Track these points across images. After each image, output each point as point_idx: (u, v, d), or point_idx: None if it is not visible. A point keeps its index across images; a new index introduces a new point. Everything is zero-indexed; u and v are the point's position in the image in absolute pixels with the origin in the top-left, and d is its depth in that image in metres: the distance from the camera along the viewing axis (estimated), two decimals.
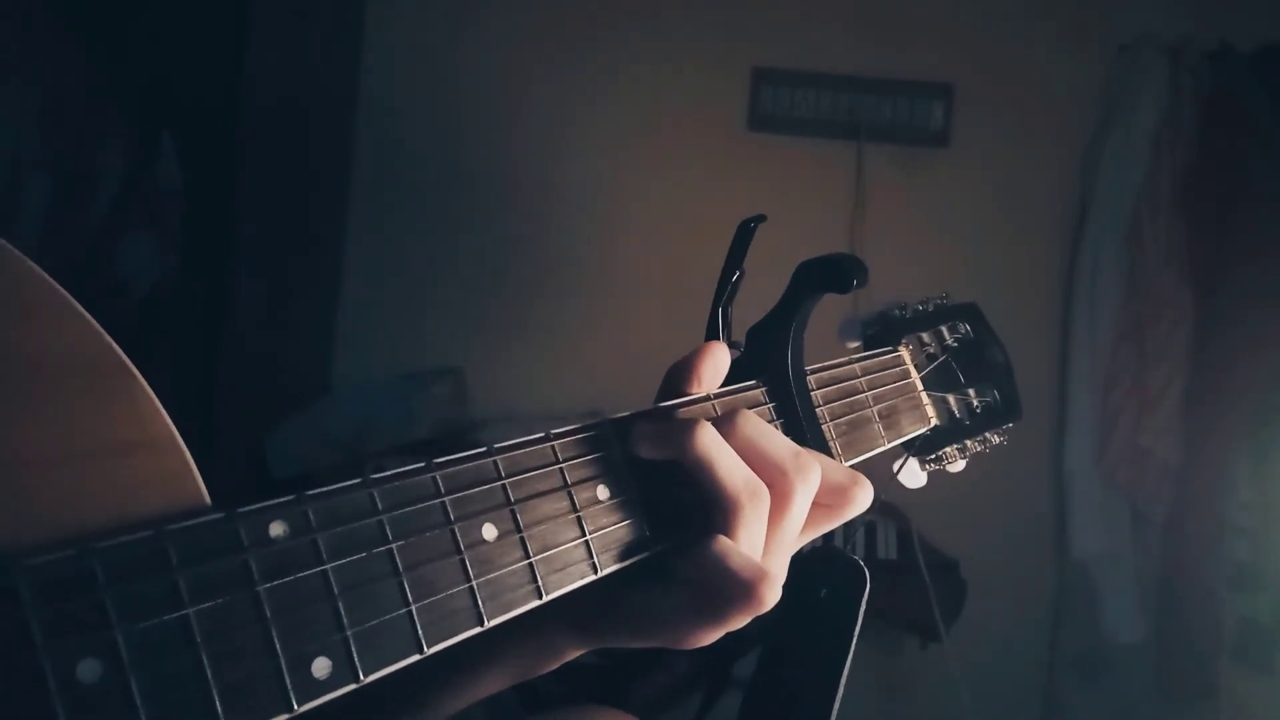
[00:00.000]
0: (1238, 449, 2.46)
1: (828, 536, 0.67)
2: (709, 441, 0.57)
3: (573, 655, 0.66)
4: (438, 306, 2.73)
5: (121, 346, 0.43)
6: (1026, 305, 2.70)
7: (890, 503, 2.43)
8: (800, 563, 0.67)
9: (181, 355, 2.16)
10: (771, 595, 0.56)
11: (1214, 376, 2.49)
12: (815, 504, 0.62)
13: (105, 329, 0.42)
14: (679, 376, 0.65)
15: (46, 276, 0.41)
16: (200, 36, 2.01)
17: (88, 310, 0.42)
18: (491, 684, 0.69)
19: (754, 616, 0.58)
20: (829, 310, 0.90)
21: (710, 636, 0.59)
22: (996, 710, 2.66)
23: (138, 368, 0.43)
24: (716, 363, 0.65)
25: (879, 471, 0.86)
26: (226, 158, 2.11)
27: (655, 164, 2.69)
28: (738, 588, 0.56)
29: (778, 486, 0.59)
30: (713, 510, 0.58)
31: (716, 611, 0.58)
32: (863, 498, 0.64)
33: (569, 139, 2.70)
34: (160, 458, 0.42)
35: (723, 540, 0.56)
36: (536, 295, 2.73)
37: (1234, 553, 2.48)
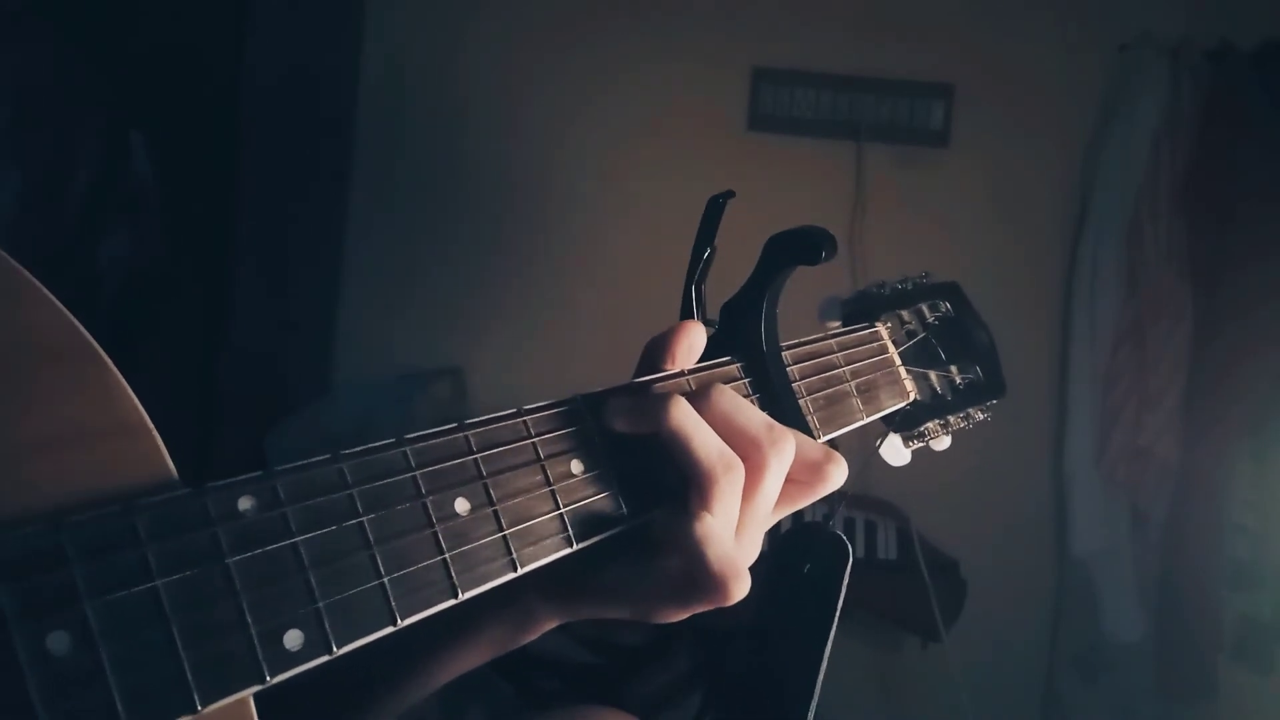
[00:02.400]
0: (1238, 448, 2.45)
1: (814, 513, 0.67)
2: (683, 415, 0.57)
3: (550, 625, 0.67)
4: (438, 306, 2.74)
5: (101, 340, 0.43)
6: (1026, 305, 2.69)
7: (890, 502, 2.43)
8: (783, 538, 0.68)
9: (181, 355, 2.16)
10: (739, 591, 0.56)
11: (1214, 376, 2.48)
12: (790, 480, 0.62)
13: (81, 322, 0.43)
14: (654, 354, 0.65)
15: (12, 261, 0.42)
16: (199, 30, 2.01)
17: (61, 303, 0.42)
18: (472, 656, 0.70)
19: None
20: (821, 295, 0.91)
21: (676, 616, 0.60)
22: (996, 710, 2.66)
23: (124, 361, 0.43)
24: (691, 341, 0.65)
25: (871, 460, 0.86)
26: (225, 155, 2.11)
27: (655, 164, 2.69)
28: (709, 579, 0.56)
29: (751, 459, 0.59)
30: (688, 484, 0.58)
31: (684, 596, 0.58)
32: (837, 474, 0.64)
33: (569, 139, 2.71)
34: (130, 440, 0.43)
35: (705, 523, 0.56)
36: (537, 295, 2.73)
37: (1234, 551, 2.47)
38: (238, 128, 2.14)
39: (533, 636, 0.68)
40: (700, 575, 0.56)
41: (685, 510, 0.57)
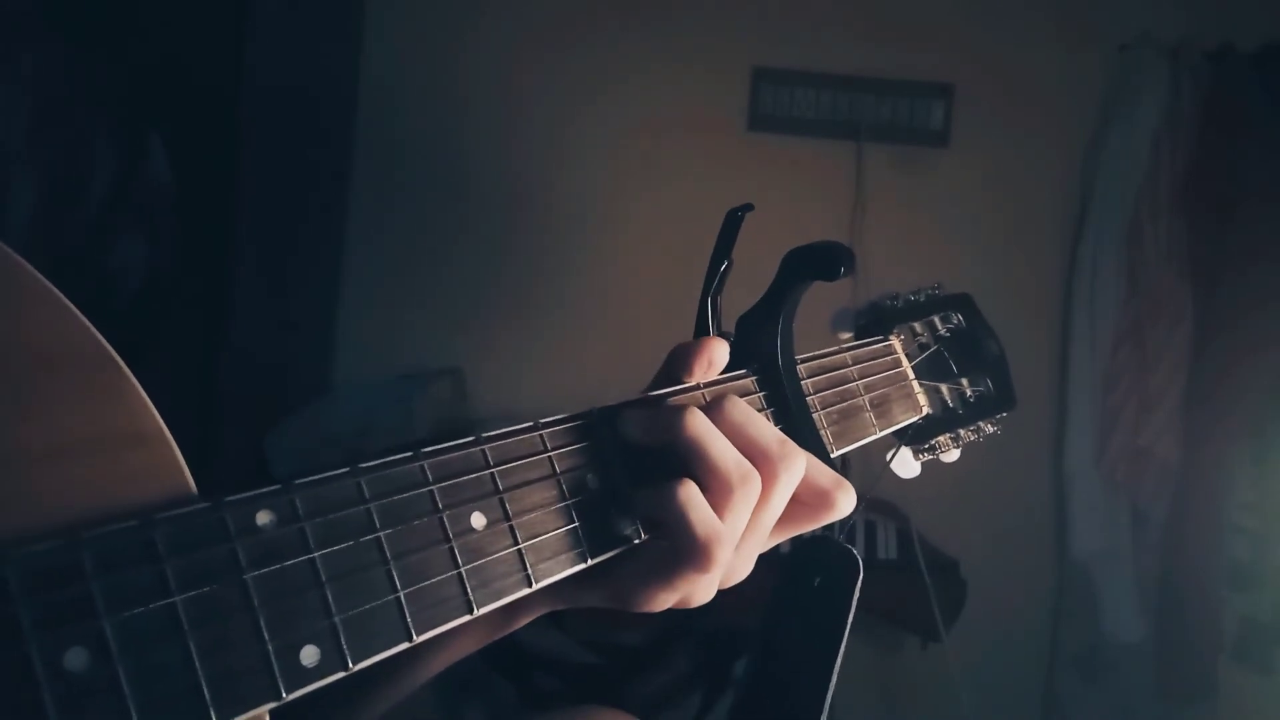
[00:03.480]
0: (1238, 449, 2.46)
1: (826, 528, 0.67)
2: (700, 425, 0.58)
3: (539, 612, 0.67)
4: (438, 306, 2.73)
5: (115, 345, 0.43)
6: (1026, 305, 2.69)
7: (890, 502, 2.43)
8: (792, 550, 0.68)
9: (181, 355, 2.16)
10: (723, 557, 0.56)
11: (1214, 376, 2.49)
12: (796, 501, 0.63)
13: (97, 328, 0.42)
14: (674, 366, 0.66)
15: (33, 270, 0.42)
16: (199, 32, 2.01)
17: (78, 309, 0.42)
18: (464, 644, 0.70)
19: (706, 583, 0.58)
20: (824, 302, 0.90)
21: (662, 598, 0.59)
22: (996, 710, 2.66)
23: (135, 366, 0.43)
24: (712, 358, 0.65)
25: (882, 475, 0.86)
26: (225, 156, 2.11)
27: (655, 164, 2.69)
28: (692, 542, 0.56)
29: (761, 472, 0.59)
30: (704, 495, 0.58)
31: (667, 568, 0.58)
32: (844, 503, 0.64)
33: (569, 139, 2.70)
34: (148, 450, 0.42)
35: (689, 487, 0.56)
36: (536, 295, 2.73)
37: (1234, 552, 2.47)
38: (238, 128, 2.13)
39: (523, 623, 0.68)
40: (683, 540, 0.56)
41: (675, 478, 0.57)
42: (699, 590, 0.59)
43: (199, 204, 2.06)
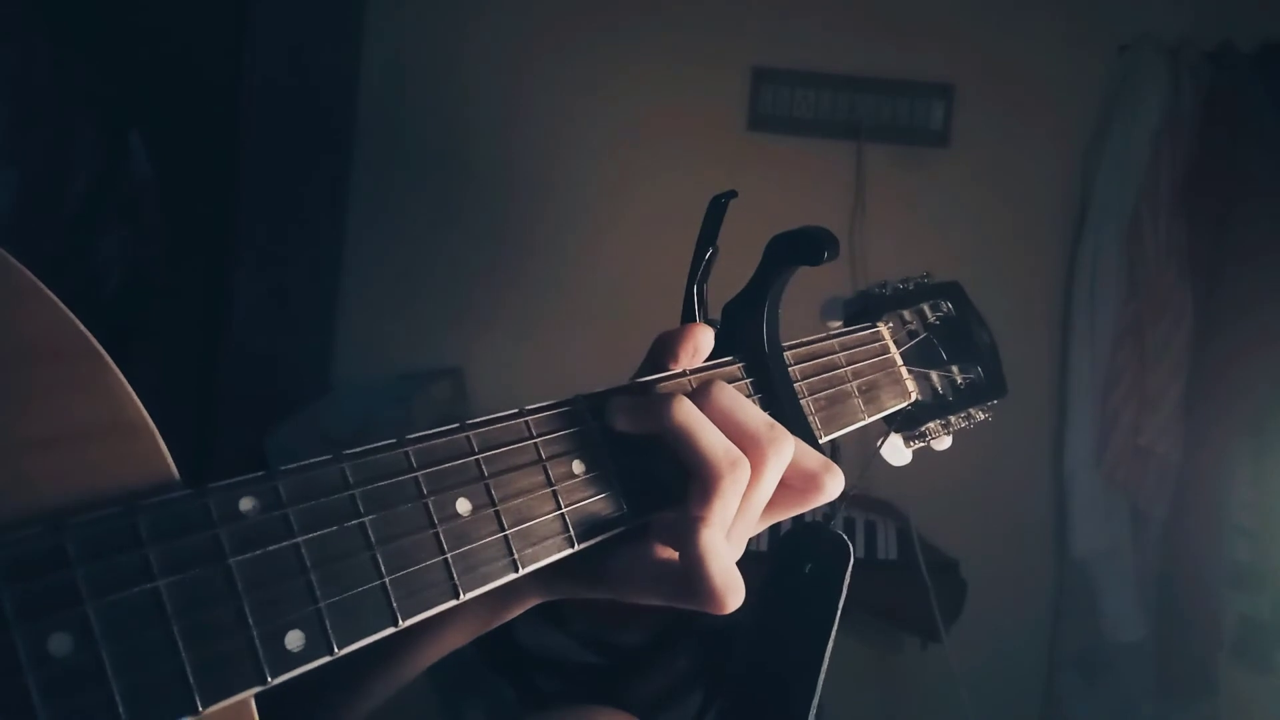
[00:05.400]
0: (1238, 449, 2.45)
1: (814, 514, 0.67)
2: (687, 413, 0.57)
3: (532, 603, 0.68)
4: (438, 306, 2.73)
5: (100, 338, 0.43)
6: (1026, 305, 2.69)
7: (890, 502, 2.43)
8: (784, 538, 0.67)
9: (181, 355, 2.16)
10: (735, 604, 0.57)
11: (1214, 376, 2.48)
12: (785, 485, 0.62)
13: (81, 320, 0.43)
14: (660, 353, 0.66)
15: (16, 262, 0.42)
16: (199, 31, 2.01)
17: (61, 301, 0.42)
18: (457, 635, 0.70)
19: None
20: (818, 293, 0.90)
21: (655, 601, 0.60)
22: (996, 710, 2.66)
23: (123, 359, 0.43)
24: (698, 344, 0.65)
25: (871, 461, 0.86)
26: (225, 154, 2.11)
27: (655, 164, 2.69)
28: (709, 591, 0.56)
29: (750, 456, 0.59)
30: (691, 481, 0.58)
31: (675, 596, 0.58)
32: (833, 486, 0.63)
33: (569, 138, 2.71)
34: (131, 440, 0.43)
35: (711, 536, 0.56)
36: (536, 295, 2.73)
37: (1234, 552, 2.47)
38: (237, 127, 2.14)
39: (516, 613, 0.68)
40: (700, 586, 0.56)
41: (689, 516, 0.57)
42: None
43: (198, 203, 2.06)
